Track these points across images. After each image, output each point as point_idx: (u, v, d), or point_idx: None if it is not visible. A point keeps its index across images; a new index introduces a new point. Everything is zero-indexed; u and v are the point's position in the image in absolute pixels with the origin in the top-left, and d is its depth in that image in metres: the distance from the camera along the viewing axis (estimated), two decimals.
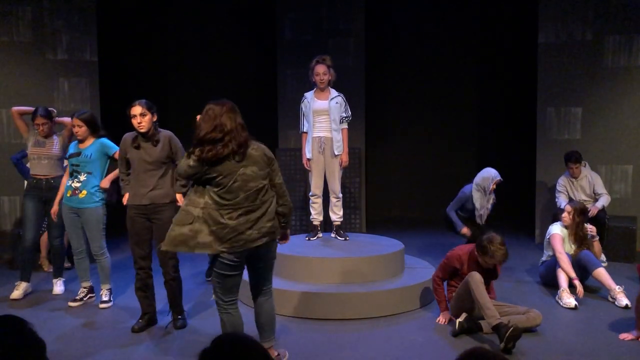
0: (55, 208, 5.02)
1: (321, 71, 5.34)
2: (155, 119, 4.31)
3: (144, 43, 8.77)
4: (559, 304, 4.86)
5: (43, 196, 5.13)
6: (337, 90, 5.47)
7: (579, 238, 5.18)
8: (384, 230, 6.13)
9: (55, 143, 5.20)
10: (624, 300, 4.76)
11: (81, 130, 4.80)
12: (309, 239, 5.60)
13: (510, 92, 8.48)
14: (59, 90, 7.22)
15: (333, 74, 5.41)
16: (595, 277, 5.00)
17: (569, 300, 4.79)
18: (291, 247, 5.24)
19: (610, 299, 4.92)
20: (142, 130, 4.24)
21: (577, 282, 4.88)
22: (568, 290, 4.90)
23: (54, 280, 5.31)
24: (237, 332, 1.74)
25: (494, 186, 5.78)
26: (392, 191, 8.85)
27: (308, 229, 6.45)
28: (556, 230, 5.26)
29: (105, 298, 4.93)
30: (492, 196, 5.87)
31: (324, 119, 5.42)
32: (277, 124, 8.03)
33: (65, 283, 5.41)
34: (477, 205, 5.81)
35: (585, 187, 6.44)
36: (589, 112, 7.10)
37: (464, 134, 8.88)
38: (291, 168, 7.62)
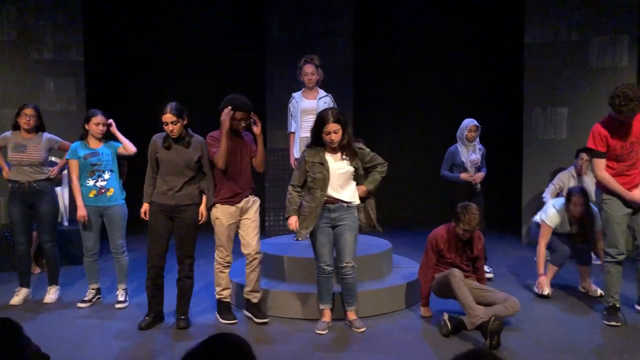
0: (82, 212, 4.84)
1: (309, 71, 5.35)
2: (186, 122, 4.38)
3: (131, 42, 8.71)
4: (535, 290, 5.15)
5: (27, 200, 5.04)
6: (325, 90, 5.48)
7: (581, 221, 5.11)
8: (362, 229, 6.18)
9: (39, 146, 5.04)
10: (598, 291, 5.01)
11: (105, 129, 4.88)
12: (297, 239, 5.59)
13: (498, 92, 8.53)
14: (45, 90, 7.15)
15: (321, 74, 5.42)
16: (579, 268, 5.25)
17: (543, 288, 5.07)
18: (279, 248, 5.25)
19: (581, 289, 5.20)
20: (173, 137, 4.34)
21: (542, 279, 5.07)
22: (548, 282, 5.13)
23: (49, 288, 5.17)
24: (227, 332, 1.73)
25: (472, 133, 5.60)
26: (381, 191, 8.84)
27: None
28: (551, 217, 5.15)
29: (121, 298, 4.96)
30: (478, 146, 5.72)
31: (312, 119, 5.38)
32: (265, 123, 8.01)
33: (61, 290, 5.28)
34: (464, 157, 5.67)
35: (588, 184, 6.23)
36: (575, 112, 7.16)
37: (452, 134, 8.91)
38: (279, 168, 7.61)
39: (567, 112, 7.20)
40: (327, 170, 4.23)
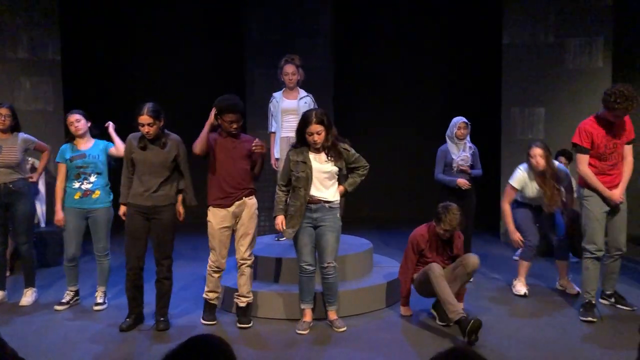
0: (59, 216, 4.82)
1: (290, 71, 5.35)
2: (162, 123, 4.33)
3: (110, 41, 8.62)
4: (512, 291, 5.17)
5: (2, 202, 4.95)
6: (305, 90, 5.48)
7: (550, 176, 4.99)
8: (354, 230, 6.17)
9: (14, 146, 4.95)
10: (575, 288, 5.06)
11: (80, 124, 4.78)
12: (277, 240, 5.59)
13: (476, 92, 8.61)
14: (21, 89, 7.03)
15: (302, 74, 5.42)
16: (557, 264, 5.27)
17: (520, 288, 5.12)
18: (259, 248, 5.24)
19: (559, 287, 5.23)
20: (149, 138, 4.29)
21: (516, 237, 5.05)
22: (523, 280, 5.18)
23: (25, 290, 5.08)
24: (206, 334, 1.71)
25: (461, 130, 5.47)
26: (362, 191, 8.86)
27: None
28: (516, 178, 5.09)
29: (100, 300, 4.92)
30: (469, 144, 5.58)
31: (293, 119, 5.42)
32: (245, 124, 7.97)
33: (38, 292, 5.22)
34: (455, 156, 5.53)
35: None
36: (552, 113, 7.27)
37: (432, 134, 8.96)
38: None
39: (544, 112, 7.30)
40: (310, 169, 4.24)
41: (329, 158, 4.27)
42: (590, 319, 4.43)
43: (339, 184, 4.39)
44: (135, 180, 4.36)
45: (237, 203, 4.39)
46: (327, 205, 4.30)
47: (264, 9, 7.93)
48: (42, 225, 6.52)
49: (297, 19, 7.89)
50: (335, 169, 4.29)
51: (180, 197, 4.44)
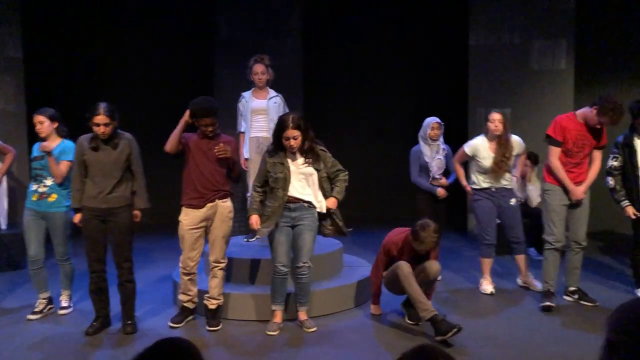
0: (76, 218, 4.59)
1: (259, 70, 5.32)
2: (117, 123, 4.24)
3: (75, 40, 8.44)
4: (479, 289, 5.22)
5: None
6: (275, 90, 5.46)
7: (504, 143, 5.05)
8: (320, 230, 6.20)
9: None
10: (538, 285, 5.10)
11: (43, 126, 4.61)
12: (247, 240, 5.56)
13: (445, 93, 8.72)
14: None
15: (271, 74, 5.41)
16: (515, 260, 5.28)
17: (486, 287, 5.18)
18: (229, 249, 5.19)
19: (521, 283, 5.27)
20: (104, 138, 4.19)
21: (468, 189, 5.21)
22: (489, 279, 5.24)
23: None
24: (173, 337, 1.68)
25: (435, 131, 5.44)
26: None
27: (247, 230, 6.40)
28: (471, 144, 5.17)
29: (65, 304, 4.79)
30: (442, 146, 5.54)
31: (262, 119, 5.40)
32: None
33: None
34: (428, 158, 5.50)
35: (532, 192, 6.43)
36: (517, 113, 7.40)
37: (401, 133, 9.05)
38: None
39: (510, 113, 7.43)
40: (288, 169, 4.24)
41: (307, 160, 4.27)
42: (547, 303, 4.68)
43: (326, 195, 4.36)
44: (89, 182, 4.25)
45: (209, 205, 4.35)
46: (306, 204, 4.30)
47: (233, 8, 7.88)
48: (4, 227, 6.35)
49: (266, 18, 7.86)
50: (314, 171, 4.29)
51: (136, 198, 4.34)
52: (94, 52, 8.63)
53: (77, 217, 4.33)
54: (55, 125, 4.69)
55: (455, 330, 3.97)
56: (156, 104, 8.60)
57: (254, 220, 4.29)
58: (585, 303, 4.82)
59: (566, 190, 4.69)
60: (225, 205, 4.40)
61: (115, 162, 4.22)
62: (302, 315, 4.42)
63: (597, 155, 4.79)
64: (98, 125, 4.14)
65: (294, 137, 4.17)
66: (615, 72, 7.75)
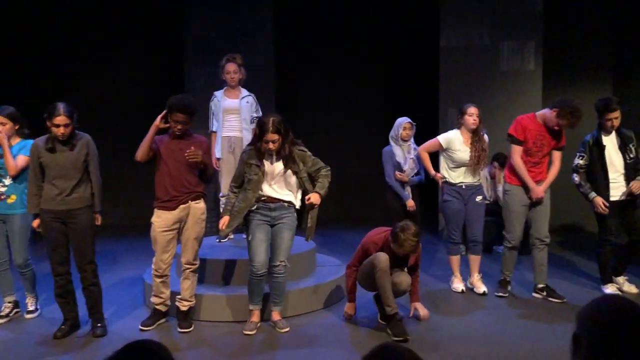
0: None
1: (232, 69, 5.29)
2: (75, 124, 4.14)
3: (41, 38, 8.25)
4: (450, 287, 5.27)
5: None
6: (247, 89, 5.43)
7: (479, 138, 5.08)
8: (296, 230, 6.17)
9: None
10: (482, 288, 5.13)
11: (5, 128, 4.46)
12: (219, 241, 5.51)
13: (417, 93, 8.79)
14: None
15: (244, 73, 5.38)
16: (469, 259, 5.27)
17: (457, 285, 5.23)
18: (201, 250, 5.14)
19: (468, 285, 5.28)
20: (63, 139, 4.08)
21: (437, 177, 5.18)
22: (459, 277, 5.28)
23: None
24: (144, 339, 1.65)
25: (407, 131, 5.40)
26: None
27: (219, 230, 6.34)
28: (445, 135, 5.16)
29: (31, 307, 4.66)
30: (413, 146, 5.49)
31: (234, 118, 5.37)
32: None
33: None
34: (400, 159, 5.45)
35: (501, 192, 6.55)
36: (487, 113, 7.49)
37: (372, 134, 9.11)
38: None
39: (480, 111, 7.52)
40: (263, 172, 4.23)
41: (284, 163, 4.27)
42: (501, 294, 5.01)
43: (305, 192, 4.33)
44: (47, 185, 4.14)
45: (182, 207, 4.29)
46: (286, 204, 4.30)
47: (204, 7, 7.80)
48: None
49: (238, 17, 7.81)
50: (292, 174, 4.28)
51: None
52: (59, 51, 8.45)
53: (35, 222, 4.24)
54: (17, 127, 4.54)
55: (401, 339, 4.02)
56: (125, 104, 8.47)
57: (222, 222, 4.28)
58: (554, 300, 4.93)
59: (527, 190, 4.85)
60: (198, 207, 4.35)
61: (74, 163, 4.13)
62: (276, 316, 4.40)
63: (557, 155, 4.96)
64: (58, 126, 4.04)
65: (273, 140, 4.16)
66: (582, 73, 7.93)
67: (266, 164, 4.25)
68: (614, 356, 1.37)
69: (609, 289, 5.02)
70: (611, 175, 4.95)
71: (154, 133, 4.23)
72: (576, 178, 5.03)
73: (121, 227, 8.00)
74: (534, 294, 5.05)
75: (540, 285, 5.01)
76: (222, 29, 7.78)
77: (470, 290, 5.24)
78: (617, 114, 4.88)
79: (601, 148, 4.95)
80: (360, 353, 1.45)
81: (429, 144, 5.23)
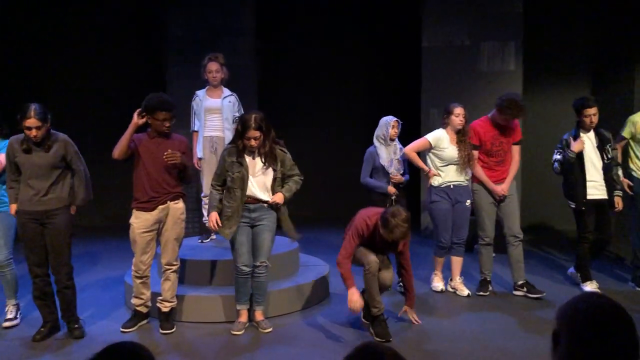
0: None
1: (214, 68, 5.26)
2: (49, 125, 4.07)
3: (21, 36, 8.12)
4: (430, 286, 5.28)
5: None
6: (229, 89, 5.40)
7: (462, 138, 5.07)
8: (278, 230, 6.16)
9: None
10: (465, 291, 5.14)
11: None
12: (201, 242, 5.48)
13: (397, 93, 8.82)
14: None
15: (226, 73, 5.35)
16: (451, 260, 5.24)
17: (437, 284, 5.26)
18: (183, 250, 5.10)
19: (450, 289, 5.25)
20: (36, 141, 4.01)
21: (431, 172, 5.07)
22: (440, 275, 5.30)
23: None
24: (124, 341, 1.63)
25: (394, 130, 5.24)
26: None
27: (201, 231, 6.30)
28: (432, 133, 5.16)
29: (10, 315, 4.48)
30: (399, 146, 5.33)
31: (216, 118, 5.34)
32: None
33: None
34: (384, 160, 5.25)
35: None
36: (469, 113, 7.53)
37: (354, 134, 9.12)
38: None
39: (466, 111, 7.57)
40: (246, 169, 4.21)
41: (264, 160, 4.26)
42: (482, 293, 5.10)
43: (274, 191, 4.32)
44: (23, 185, 4.09)
45: (161, 207, 4.25)
46: (265, 205, 4.29)
47: (185, 6, 7.74)
48: None
49: (219, 16, 7.76)
50: (271, 171, 4.28)
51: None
52: (39, 50, 8.33)
53: (12, 208, 4.15)
54: None
55: (384, 340, 4.04)
56: (106, 103, 8.38)
57: (214, 217, 4.23)
58: (533, 295, 5.00)
59: (490, 189, 5.06)
60: (177, 207, 4.32)
61: (50, 164, 4.07)
62: (259, 316, 4.39)
63: (516, 150, 5.16)
64: (29, 128, 3.97)
65: (254, 137, 4.16)
66: (561, 74, 8.04)
67: (247, 160, 4.24)
68: (592, 353, 1.39)
69: (589, 287, 5.08)
70: (589, 174, 5.03)
71: (133, 131, 4.18)
72: (558, 167, 5.11)
73: (102, 228, 7.91)
74: (515, 292, 5.11)
75: (520, 282, 5.08)
76: (204, 29, 7.73)
77: (451, 292, 5.24)
78: (595, 110, 4.98)
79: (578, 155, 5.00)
80: (343, 353, 1.45)
81: (418, 144, 5.19)
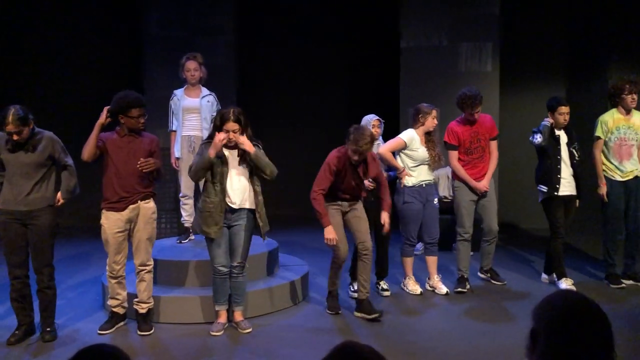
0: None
1: (192, 67, 5.22)
2: (32, 126, 3.99)
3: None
4: (406, 290, 5.25)
5: None
6: (208, 88, 5.37)
7: (431, 138, 5.15)
8: (257, 229, 6.14)
9: None
10: (444, 289, 5.19)
11: None
12: (180, 242, 5.44)
13: (376, 93, 8.86)
14: None
15: (204, 72, 5.32)
16: (426, 260, 5.30)
17: (414, 288, 5.21)
18: (161, 251, 5.06)
19: (428, 287, 5.29)
20: (21, 142, 3.95)
21: (404, 173, 5.07)
22: (413, 278, 5.27)
23: None
24: (100, 344, 1.61)
25: (376, 129, 5.19)
26: (266, 189, 8.83)
27: (179, 231, 6.26)
28: (406, 132, 5.20)
29: None
30: (379, 141, 5.32)
31: (195, 117, 5.30)
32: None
33: None
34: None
35: None
36: (446, 114, 7.61)
37: (334, 133, 9.12)
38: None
39: (438, 113, 7.63)
40: (226, 164, 4.19)
41: (242, 155, 4.23)
42: (460, 289, 5.18)
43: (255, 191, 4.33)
44: (6, 183, 4.02)
45: (131, 207, 4.20)
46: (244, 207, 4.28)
47: (164, 4, 7.67)
48: None
49: (198, 15, 7.71)
50: (248, 166, 4.27)
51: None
52: (15, 49, 8.18)
53: None
54: None
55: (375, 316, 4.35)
56: (83, 103, 8.25)
57: (219, 137, 4.09)
58: (496, 282, 5.41)
59: (471, 186, 5.20)
60: (148, 207, 4.27)
61: (35, 163, 4.02)
62: (238, 316, 4.37)
63: (493, 145, 5.34)
64: (10, 133, 3.92)
65: (233, 130, 4.12)
66: (536, 74, 8.16)
67: (226, 155, 4.21)
68: (570, 350, 1.41)
69: (564, 284, 5.16)
70: (563, 171, 5.17)
71: (99, 131, 4.13)
72: (538, 142, 5.10)
73: (80, 228, 7.80)
74: (479, 274, 5.51)
75: (486, 268, 5.47)
76: (182, 28, 7.67)
77: (430, 291, 5.26)
78: (568, 109, 5.19)
79: (557, 141, 5.17)
80: (323, 352, 1.45)
81: (393, 144, 5.19)
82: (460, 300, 5.02)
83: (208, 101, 5.31)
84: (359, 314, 4.56)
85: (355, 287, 4.87)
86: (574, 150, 5.20)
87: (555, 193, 5.13)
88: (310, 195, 4.51)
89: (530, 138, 5.21)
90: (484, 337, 4.17)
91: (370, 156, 4.55)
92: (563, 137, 5.21)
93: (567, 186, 5.18)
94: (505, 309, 4.81)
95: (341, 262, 4.55)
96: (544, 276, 5.52)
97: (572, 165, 5.20)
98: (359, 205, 4.69)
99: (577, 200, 5.29)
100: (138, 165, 4.07)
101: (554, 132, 5.17)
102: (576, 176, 5.21)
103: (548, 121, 5.16)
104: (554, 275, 5.35)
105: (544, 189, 5.18)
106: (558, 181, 5.13)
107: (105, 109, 4.13)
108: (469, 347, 4.00)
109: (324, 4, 8.95)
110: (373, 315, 4.47)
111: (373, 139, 4.46)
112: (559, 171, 5.14)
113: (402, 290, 5.27)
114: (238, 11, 8.01)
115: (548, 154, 5.16)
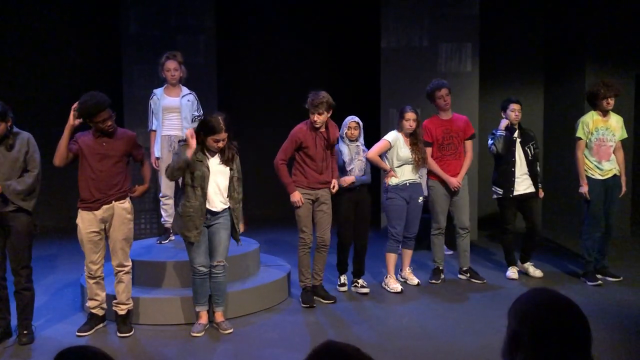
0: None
1: (172, 67, 5.18)
2: (10, 123, 3.92)
3: None
4: (386, 289, 5.28)
5: None
6: (188, 88, 5.33)
7: (418, 139, 5.24)
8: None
9: None
10: (415, 280, 5.46)
11: None
12: (160, 242, 5.40)
13: (357, 93, 8.88)
14: None
15: (184, 71, 5.28)
16: (402, 253, 5.47)
17: (395, 286, 5.27)
18: (141, 252, 5.02)
19: (400, 278, 5.48)
20: None
21: (391, 173, 5.26)
22: (394, 277, 5.35)
23: None
24: (80, 345, 1.58)
25: (351, 131, 5.16)
26: (246, 189, 8.79)
27: (159, 232, 6.20)
28: (389, 134, 5.35)
29: None
30: (362, 147, 5.28)
31: (175, 117, 5.27)
32: (122, 122, 7.59)
33: None
34: (346, 157, 5.18)
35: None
36: (427, 114, 7.64)
37: None
38: (139, 168, 7.24)
39: (419, 113, 7.67)
40: (207, 168, 4.18)
41: (222, 159, 4.25)
42: (434, 281, 5.46)
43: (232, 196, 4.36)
44: None
45: (105, 207, 4.16)
46: (222, 203, 4.29)
47: (144, 3, 7.59)
48: None
49: (178, 14, 7.65)
50: (227, 170, 4.27)
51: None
52: None
53: None
54: None
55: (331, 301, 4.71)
56: (61, 103, 8.14)
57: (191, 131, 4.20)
58: (475, 281, 5.51)
59: (445, 183, 5.35)
60: (123, 207, 4.23)
61: (12, 163, 3.96)
62: (219, 317, 4.34)
63: (468, 145, 5.54)
64: None
65: (223, 139, 4.15)
66: (515, 75, 8.25)
67: (207, 158, 4.20)
68: (557, 350, 1.40)
69: (510, 271, 5.61)
70: (517, 171, 5.45)
71: (69, 134, 4.08)
72: (494, 149, 5.46)
73: (57, 229, 7.69)
74: (459, 275, 5.63)
75: (465, 268, 5.60)
76: (161, 27, 7.60)
77: (406, 286, 5.33)
78: (519, 107, 5.48)
79: (512, 144, 5.44)
80: (305, 352, 1.45)
81: (379, 147, 5.30)
82: (435, 292, 5.15)
83: (188, 100, 5.27)
84: (315, 297, 4.90)
85: (342, 281, 5.31)
86: (528, 150, 5.49)
87: (510, 195, 5.45)
88: (274, 162, 4.87)
89: (488, 144, 5.53)
90: (467, 336, 4.20)
91: (329, 122, 4.85)
92: (518, 139, 5.48)
93: (521, 185, 5.47)
94: (482, 300, 4.88)
95: (307, 249, 4.80)
96: (508, 274, 5.65)
97: (527, 163, 5.46)
98: (328, 200, 4.91)
99: (539, 195, 5.57)
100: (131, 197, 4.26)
101: (511, 137, 5.45)
102: (532, 174, 5.48)
103: (503, 125, 5.47)
104: (514, 266, 5.65)
105: (500, 191, 5.52)
106: (512, 184, 5.45)
107: (73, 109, 4.06)
108: (452, 346, 4.03)
109: (305, 3, 8.94)
110: (329, 301, 4.88)
111: (329, 102, 4.72)
112: (513, 174, 5.46)
113: (382, 288, 5.30)
114: (218, 9, 7.97)
115: (503, 158, 5.47)
